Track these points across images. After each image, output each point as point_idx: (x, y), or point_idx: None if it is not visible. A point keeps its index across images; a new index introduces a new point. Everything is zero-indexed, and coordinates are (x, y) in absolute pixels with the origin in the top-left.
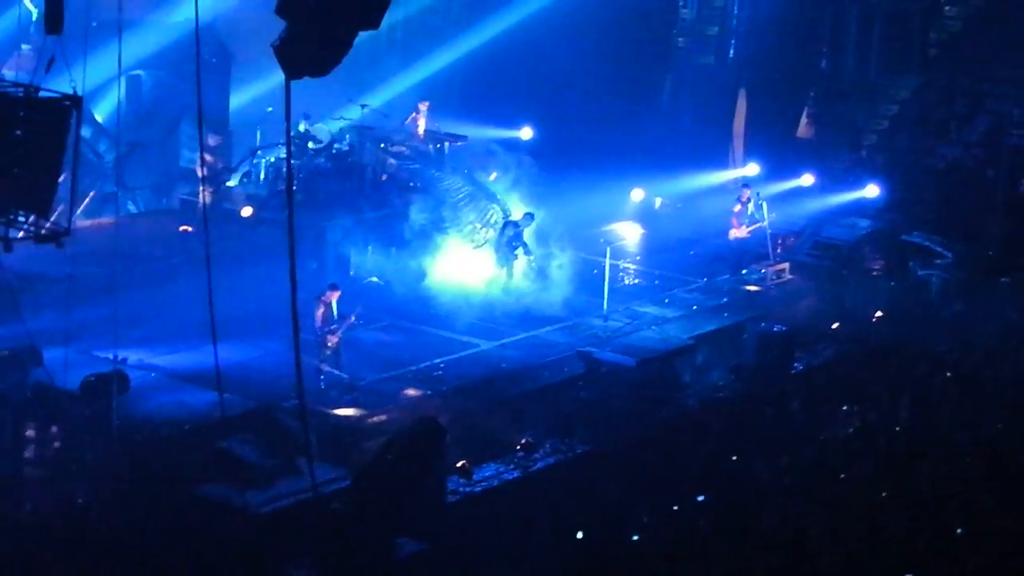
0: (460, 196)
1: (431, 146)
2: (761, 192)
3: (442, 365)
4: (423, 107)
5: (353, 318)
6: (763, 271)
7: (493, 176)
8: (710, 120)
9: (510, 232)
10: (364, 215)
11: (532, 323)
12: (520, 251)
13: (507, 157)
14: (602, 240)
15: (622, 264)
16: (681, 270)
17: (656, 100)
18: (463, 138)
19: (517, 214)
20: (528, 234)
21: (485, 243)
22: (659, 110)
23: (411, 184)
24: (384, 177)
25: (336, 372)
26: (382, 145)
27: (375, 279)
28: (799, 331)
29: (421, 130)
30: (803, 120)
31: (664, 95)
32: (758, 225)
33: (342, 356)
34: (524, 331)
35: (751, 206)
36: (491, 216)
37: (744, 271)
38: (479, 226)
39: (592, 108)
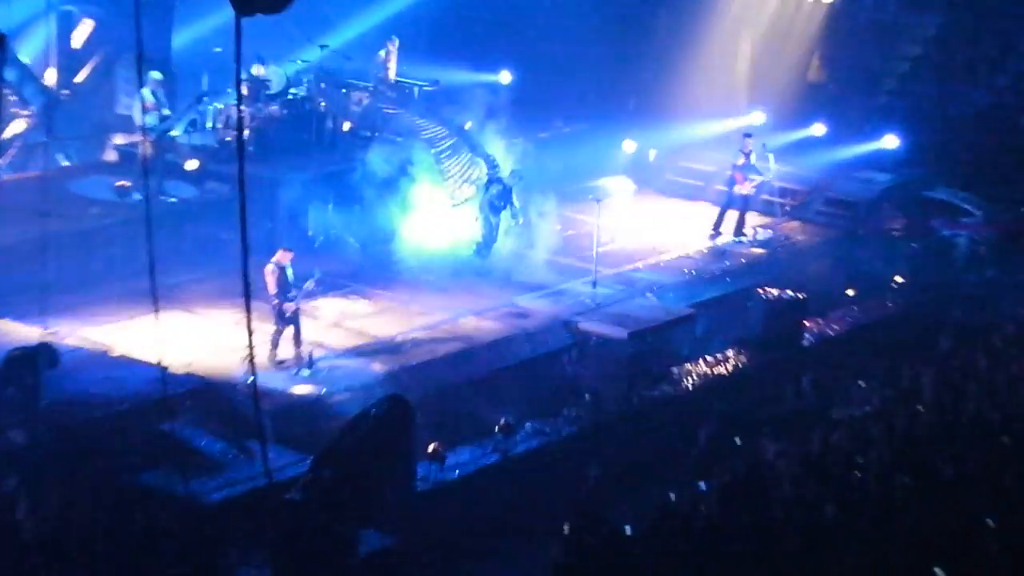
0: (442, 147)
1: (401, 91)
2: (768, 143)
3: (411, 336)
4: (392, 46)
5: (311, 284)
6: (769, 231)
7: (468, 125)
8: (710, 64)
9: (495, 190)
10: (324, 168)
11: (512, 290)
12: (506, 212)
13: (485, 102)
14: (590, 197)
15: (612, 223)
16: (678, 230)
17: (649, 42)
18: (434, 83)
19: (502, 171)
20: (516, 194)
21: (466, 201)
22: (652, 53)
23: (375, 134)
24: (347, 126)
25: (293, 345)
26: (344, 90)
27: (351, 240)
28: (810, 299)
29: (391, 73)
30: (814, 63)
31: (658, 35)
32: (762, 179)
33: (299, 327)
34: (503, 299)
35: (754, 158)
36: (474, 172)
37: (748, 231)
38: (460, 182)
39: (578, 51)
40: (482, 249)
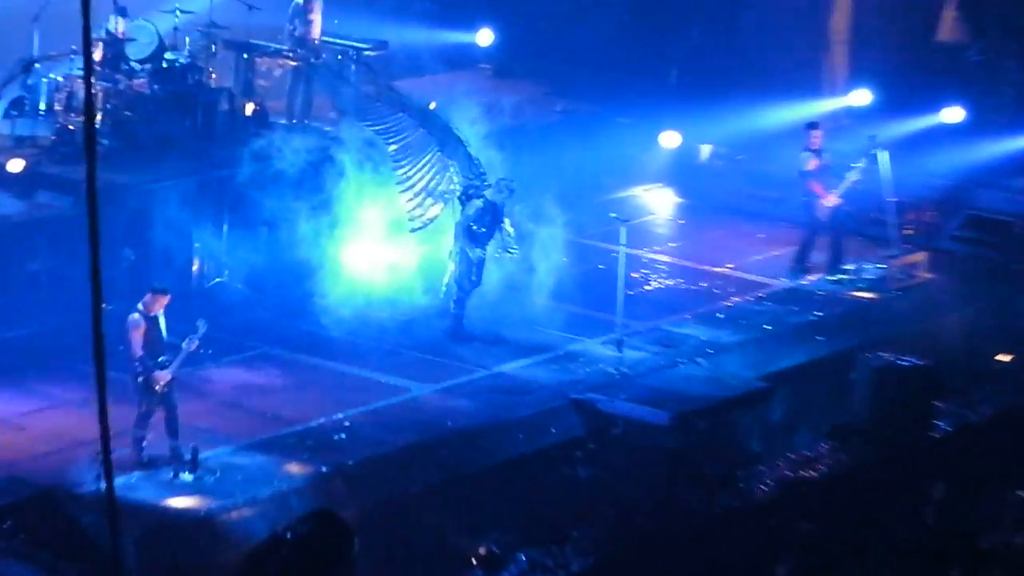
0: (398, 142)
1: (330, 57)
2: (876, 135)
3: (347, 423)
4: None
5: (195, 343)
6: (882, 266)
7: (432, 106)
8: (790, 20)
9: (474, 209)
10: (216, 172)
11: (499, 352)
12: (493, 242)
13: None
14: (612, 215)
15: (646, 255)
16: (744, 264)
17: None
18: (381, 45)
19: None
20: (506, 215)
21: (430, 223)
22: (703, 6)
23: (293, 121)
24: (251, 108)
25: (167, 435)
26: (246, 55)
27: (224, 279)
28: (943, 367)
29: (315, 29)
30: (947, 15)
31: None
32: (850, 182)
33: (177, 408)
34: (484, 365)
35: (827, 156)
36: (445, 181)
37: (850, 266)
38: (424, 195)
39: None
40: (453, 301)
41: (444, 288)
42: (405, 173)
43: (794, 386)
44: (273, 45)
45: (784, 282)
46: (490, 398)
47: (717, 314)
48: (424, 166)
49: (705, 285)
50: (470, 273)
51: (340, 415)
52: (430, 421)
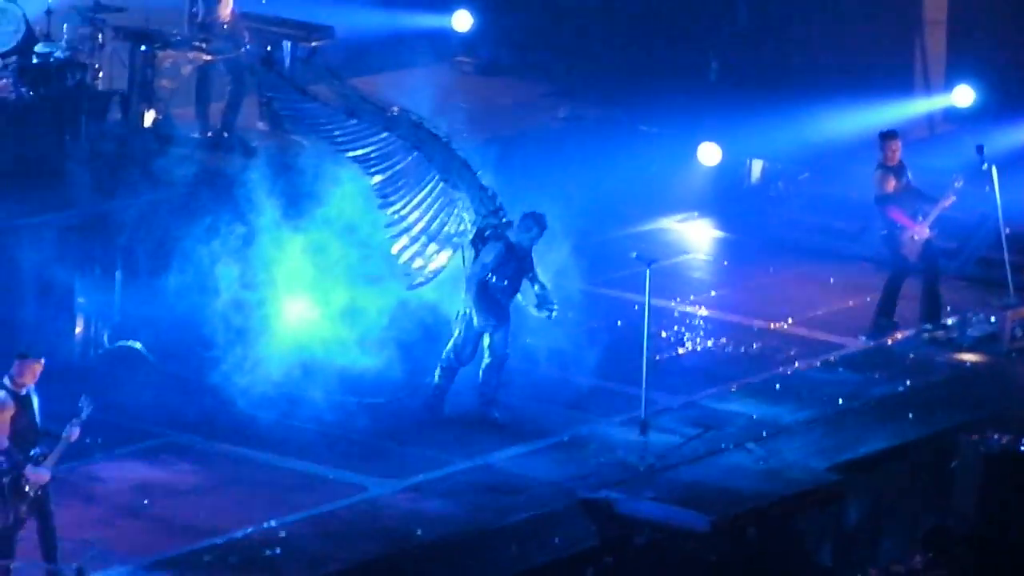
0: (384, 170)
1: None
2: (985, 145)
3: (282, 534)
4: None
5: (77, 431)
6: (994, 319)
7: (395, 111)
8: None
9: (492, 255)
10: (105, 204)
11: (484, 437)
12: (522, 296)
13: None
14: (634, 255)
15: (679, 307)
16: (808, 319)
17: None
18: (325, 32)
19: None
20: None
21: (435, 275)
22: None
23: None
24: (152, 118)
25: (41, 549)
26: (144, 48)
27: (134, 343)
28: None
29: (225, 13)
30: None
31: None
32: (937, 209)
33: (50, 516)
34: (465, 455)
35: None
36: (454, 220)
37: (951, 320)
38: (426, 239)
39: None
40: (440, 367)
41: (438, 373)
42: (397, 212)
43: (877, 479)
44: (176, 34)
45: (863, 342)
46: (472, 499)
47: (773, 385)
48: (423, 202)
49: (757, 347)
50: (478, 339)
51: (273, 523)
52: (393, 530)
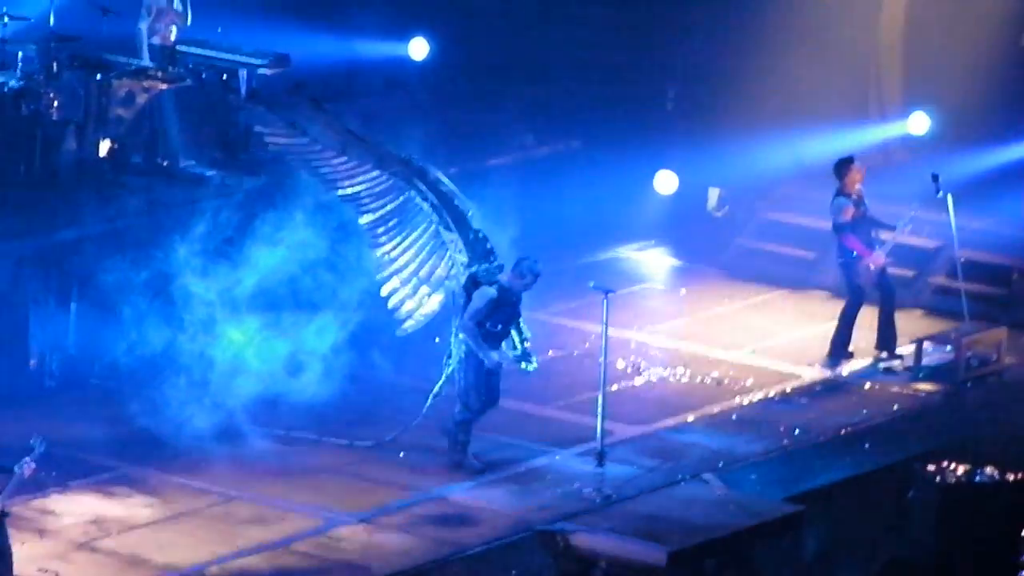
0: (375, 209)
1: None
2: (941, 174)
3: (239, 568)
4: None
5: (32, 466)
6: (950, 348)
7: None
8: (823, 24)
9: (484, 300)
10: (60, 234)
11: (441, 470)
12: (515, 341)
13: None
14: (591, 284)
15: (636, 337)
16: (765, 348)
17: None
18: (279, 60)
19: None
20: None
21: (426, 319)
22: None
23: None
24: (108, 147)
25: None
26: (99, 76)
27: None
28: None
29: (169, 35)
30: None
31: None
32: (895, 236)
33: (11, 554)
34: (421, 487)
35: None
36: (444, 262)
37: (906, 350)
38: (417, 282)
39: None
40: (456, 423)
41: (430, 400)
42: (387, 253)
43: (834, 510)
44: (134, 61)
45: (819, 371)
46: (429, 531)
47: (731, 415)
48: (415, 243)
49: (714, 376)
50: (480, 385)
51: (229, 556)
52: (349, 563)
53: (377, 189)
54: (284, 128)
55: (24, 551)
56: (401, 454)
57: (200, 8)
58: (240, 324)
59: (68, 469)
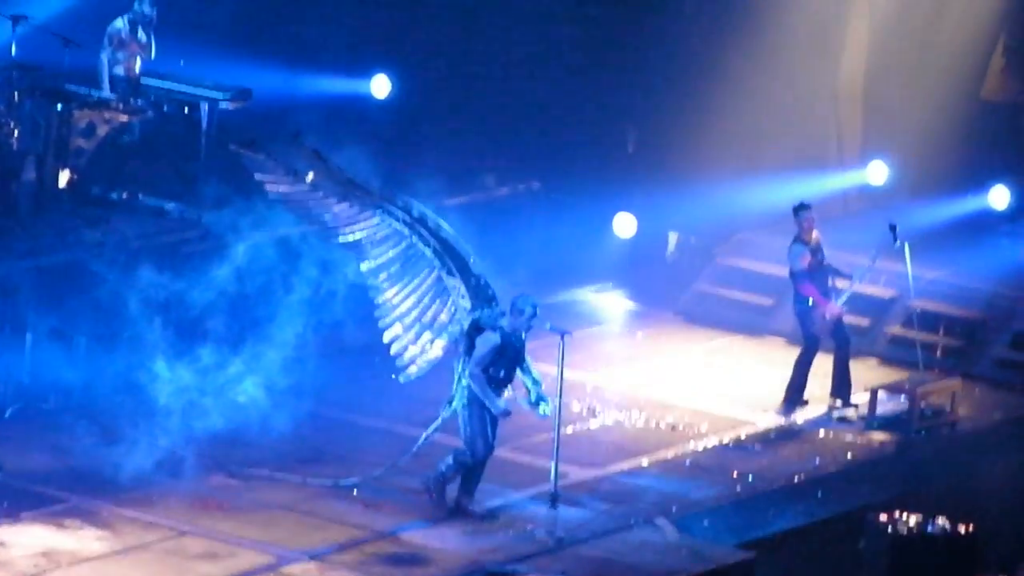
0: (377, 255)
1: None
2: (897, 225)
3: None
4: (148, 8)
5: None
6: (904, 399)
7: (310, 177)
8: (784, 71)
9: (488, 346)
10: (16, 264)
11: (391, 508)
12: (512, 389)
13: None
14: (547, 326)
15: (591, 379)
16: (721, 394)
17: (664, 24)
18: (242, 95)
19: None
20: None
21: (429, 366)
22: (670, 46)
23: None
24: (68, 178)
25: None
26: (60, 106)
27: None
28: (984, 534)
29: (134, 66)
30: (995, 64)
31: (680, 16)
32: (850, 286)
33: None
34: (375, 529)
35: (825, 251)
36: (447, 307)
37: (860, 399)
38: (419, 328)
39: (519, 37)
40: (455, 470)
41: (422, 440)
42: (390, 300)
43: (785, 558)
44: (96, 93)
45: (774, 418)
46: (380, 570)
47: (684, 461)
48: (417, 289)
49: (669, 421)
50: (486, 432)
51: None
52: None
53: (378, 236)
54: (285, 175)
55: None
56: (355, 492)
57: (163, 41)
58: (197, 357)
59: (19, 500)
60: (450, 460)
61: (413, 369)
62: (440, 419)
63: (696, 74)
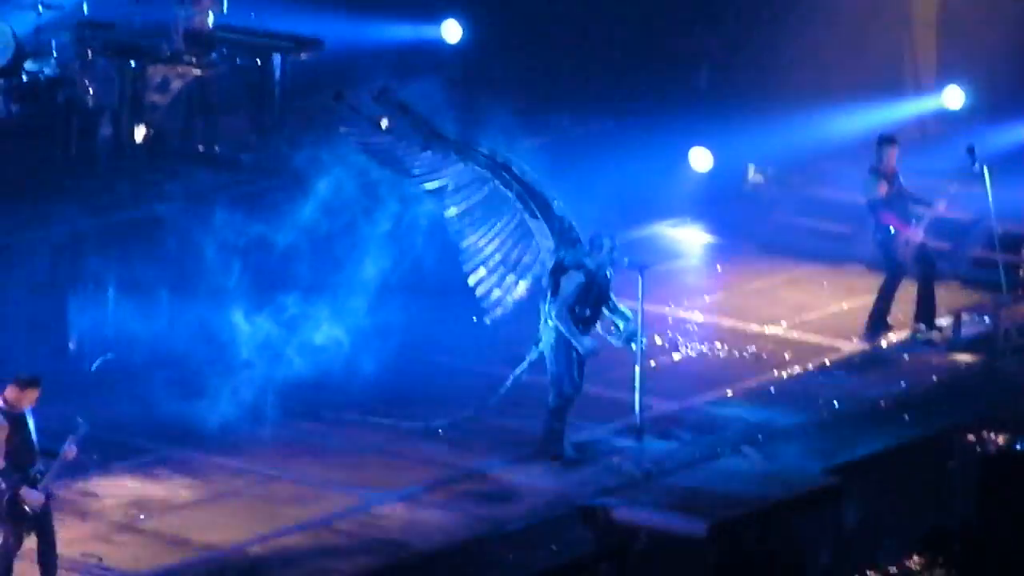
0: (459, 201)
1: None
2: (976, 147)
3: (279, 547)
4: None
5: (75, 449)
6: (988, 320)
7: (385, 123)
8: (859, 2)
9: (573, 285)
10: (97, 219)
11: (482, 447)
12: (602, 326)
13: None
14: (626, 261)
15: (672, 313)
16: (803, 322)
17: None
18: (314, 46)
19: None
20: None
21: (513, 306)
22: None
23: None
24: (144, 134)
25: (43, 573)
26: (133, 63)
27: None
28: None
29: (207, 19)
30: None
31: None
32: (930, 212)
33: (52, 536)
34: (463, 467)
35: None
36: (531, 248)
37: (944, 321)
38: (503, 269)
39: None
40: (551, 411)
41: (511, 380)
42: (473, 243)
43: (874, 481)
44: (167, 49)
45: (858, 344)
46: (469, 508)
47: (769, 388)
48: (500, 232)
49: (752, 351)
50: (572, 371)
51: (270, 536)
52: (391, 541)
53: (462, 181)
54: (368, 127)
55: (67, 533)
56: (440, 431)
57: None
58: (279, 305)
59: (109, 452)
60: (547, 415)
61: (498, 311)
62: (527, 361)
63: (767, 6)
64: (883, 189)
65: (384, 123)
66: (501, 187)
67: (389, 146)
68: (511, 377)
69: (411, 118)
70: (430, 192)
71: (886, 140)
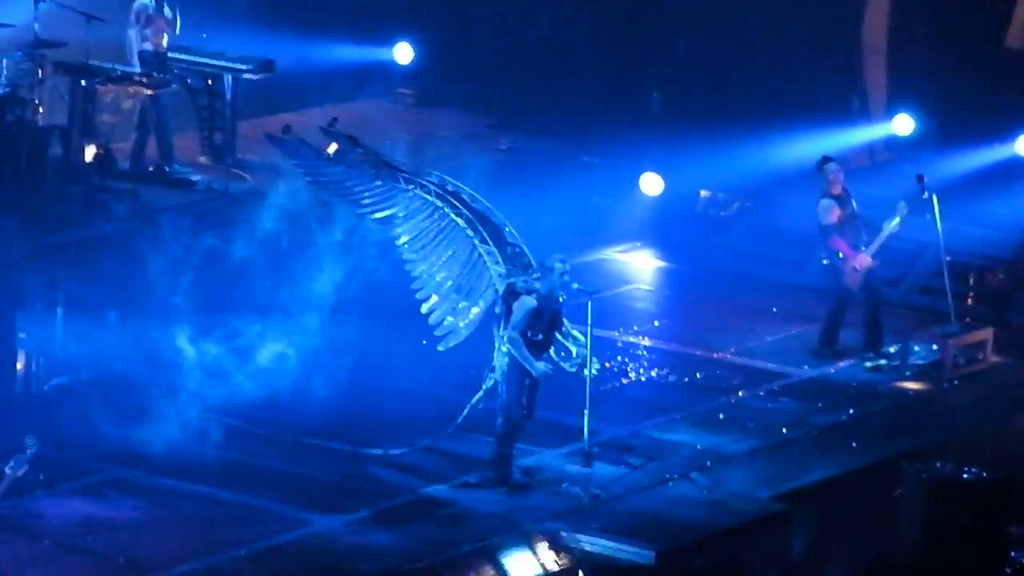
0: (411, 229)
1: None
2: (925, 175)
3: (226, 570)
4: None
5: (23, 468)
6: (935, 348)
7: (332, 148)
8: (809, 26)
9: (523, 310)
10: (46, 238)
11: (428, 470)
12: (554, 353)
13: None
14: (575, 287)
15: (621, 338)
16: (751, 348)
17: None
18: (265, 66)
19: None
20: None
21: (468, 332)
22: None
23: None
24: (95, 152)
25: None
26: (85, 82)
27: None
28: (1018, 480)
29: (161, 40)
30: (1020, 15)
31: None
32: (884, 237)
33: None
34: (409, 488)
35: (855, 203)
36: (483, 274)
37: (892, 349)
38: (456, 296)
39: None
40: (498, 437)
41: (468, 408)
42: (426, 271)
43: (821, 508)
44: (120, 67)
45: (806, 371)
46: (417, 531)
47: (718, 414)
48: (452, 259)
49: (700, 376)
50: (522, 398)
51: (215, 559)
52: (337, 564)
53: (412, 208)
54: (318, 159)
55: (13, 553)
56: (387, 454)
57: (185, 14)
58: (228, 326)
59: (57, 472)
60: (495, 441)
61: (453, 340)
62: (484, 388)
63: (720, 31)
64: (835, 214)
65: (332, 148)
66: (451, 215)
67: (339, 177)
68: (468, 406)
69: (361, 149)
70: (380, 221)
71: (825, 160)
